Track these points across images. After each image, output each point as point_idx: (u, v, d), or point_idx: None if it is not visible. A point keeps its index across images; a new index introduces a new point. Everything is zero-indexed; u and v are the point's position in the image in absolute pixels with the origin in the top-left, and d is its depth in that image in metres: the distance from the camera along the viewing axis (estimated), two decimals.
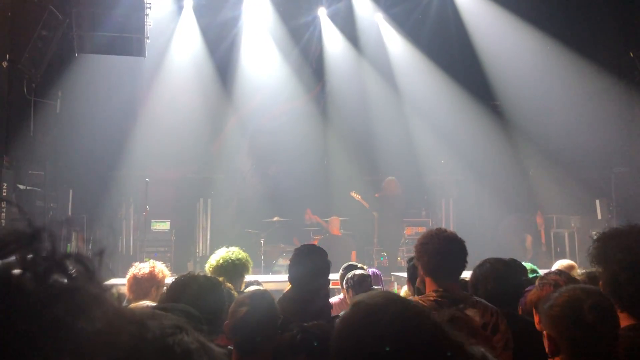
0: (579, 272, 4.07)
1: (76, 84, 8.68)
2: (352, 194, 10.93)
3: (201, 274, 2.79)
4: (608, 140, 9.37)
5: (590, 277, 3.10)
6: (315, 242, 10.18)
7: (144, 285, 3.72)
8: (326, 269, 3.50)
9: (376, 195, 10.89)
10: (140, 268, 3.80)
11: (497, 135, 10.79)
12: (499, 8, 10.02)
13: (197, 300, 2.31)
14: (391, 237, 10.74)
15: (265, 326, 2.26)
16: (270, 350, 2.27)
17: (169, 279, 4.84)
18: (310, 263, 3.44)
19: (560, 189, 10.03)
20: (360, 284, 4.33)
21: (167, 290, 2.68)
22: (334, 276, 6.97)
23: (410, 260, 3.97)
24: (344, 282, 4.50)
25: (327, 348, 2.00)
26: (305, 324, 2.26)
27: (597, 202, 9.29)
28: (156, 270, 3.75)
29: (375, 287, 4.53)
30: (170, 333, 0.81)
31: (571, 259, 5.72)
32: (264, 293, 2.44)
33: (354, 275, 4.40)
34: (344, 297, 4.56)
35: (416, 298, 2.74)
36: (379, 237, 10.93)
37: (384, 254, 10.82)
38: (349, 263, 4.96)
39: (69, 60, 8.17)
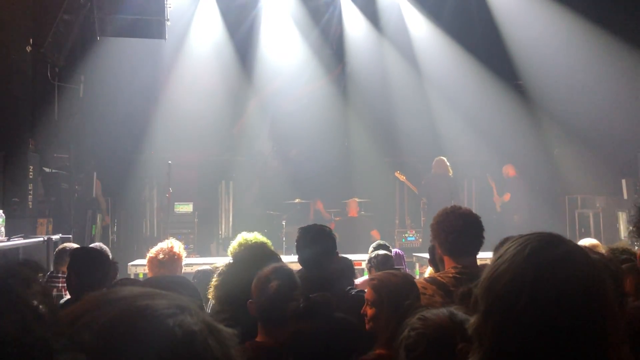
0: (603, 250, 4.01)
1: (98, 68, 8.77)
2: (397, 174, 10.78)
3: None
4: (634, 119, 9.16)
5: (615, 254, 3.05)
6: (332, 226, 10.18)
7: (163, 265, 3.78)
8: (332, 246, 3.43)
9: (422, 182, 10.64)
10: (160, 249, 3.85)
11: (520, 115, 10.63)
12: None
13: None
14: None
15: (293, 299, 2.28)
16: (293, 321, 2.30)
17: (188, 261, 4.93)
18: (315, 245, 3.38)
19: (585, 169, 9.87)
20: (384, 264, 4.35)
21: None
22: (355, 257, 6.99)
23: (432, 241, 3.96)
24: (367, 262, 4.52)
25: (328, 316, 2.04)
26: (310, 295, 2.28)
27: (623, 181, 9.11)
28: (175, 249, 3.80)
29: (398, 267, 4.54)
30: (170, 314, 0.74)
31: (596, 240, 5.63)
32: (283, 266, 2.46)
33: (377, 255, 4.43)
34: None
35: (434, 274, 2.74)
36: (427, 220, 10.63)
37: (406, 234, 10.65)
38: (379, 242, 4.95)
39: (90, 44, 8.24)
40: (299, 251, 3.43)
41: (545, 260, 1.08)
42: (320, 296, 2.21)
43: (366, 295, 2.25)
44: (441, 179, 10.18)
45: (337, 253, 3.55)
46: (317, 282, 3.18)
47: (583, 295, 1.05)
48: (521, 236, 1.17)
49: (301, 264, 3.45)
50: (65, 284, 4.14)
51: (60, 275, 4.37)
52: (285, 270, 2.37)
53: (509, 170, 10.63)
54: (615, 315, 1.08)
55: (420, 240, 10.43)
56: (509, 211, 10.40)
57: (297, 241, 3.45)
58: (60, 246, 4.79)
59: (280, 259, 2.71)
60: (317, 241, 3.38)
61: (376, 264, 4.33)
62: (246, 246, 2.74)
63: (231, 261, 2.80)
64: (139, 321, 0.72)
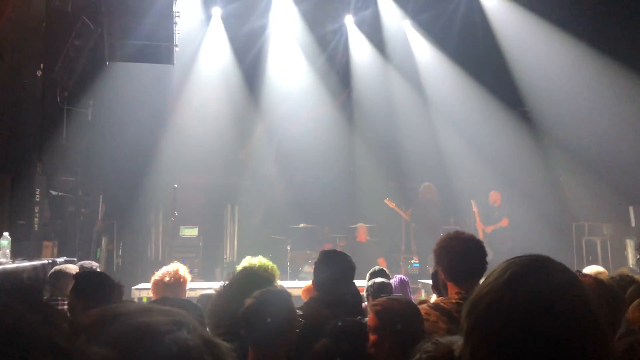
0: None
1: (107, 92, 8.88)
2: (387, 201, 10.83)
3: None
4: None
5: (625, 281, 3.00)
6: (339, 249, 10.17)
7: (169, 288, 3.77)
8: (350, 273, 3.47)
9: (408, 213, 10.74)
10: (166, 272, 3.85)
11: (526, 141, 10.64)
12: (526, 12, 9.90)
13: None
14: (428, 244, 10.55)
15: (278, 321, 2.25)
16: (286, 347, 2.26)
17: (192, 285, 4.90)
18: (334, 267, 3.41)
19: (592, 196, 9.81)
20: (381, 291, 4.31)
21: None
22: (360, 283, 6.95)
23: (435, 269, 3.93)
24: (365, 290, 4.49)
25: (359, 348, 1.99)
26: (340, 323, 2.24)
27: (631, 208, 9.06)
28: (180, 272, 3.80)
29: (399, 295, 4.50)
30: (167, 330, 0.74)
31: (604, 267, 5.58)
32: (277, 290, 2.43)
33: (374, 283, 4.40)
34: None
35: (438, 300, 2.71)
36: (416, 245, 10.77)
37: (412, 261, 10.68)
38: (379, 268, 4.92)
39: (100, 69, 8.36)
40: (315, 273, 3.45)
41: (523, 285, 1.09)
42: (353, 322, 2.16)
43: (369, 322, 2.23)
44: (429, 204, 10.34)
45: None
46: (330, 305, 3.19)
47: (561, 320, 1.05)
48: (507, 260, 1.18)
49: (316, 287, 3.47)
50: (63, 307, 4.12)
51: (60, 299, 4.30)
52: (276, 293, 2.34)
53: (495, 197, 10.62)
54: (600, 340, 1.07)
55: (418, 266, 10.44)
56: (501, 239, 10.27)
57: (315, 264, 3.48)
58: (55, 269, 4.58)
59: (273, 283, 2.67)
60: (335, 264, 3.42)
61: (372, 292, 4.29)
62: (236, 272, 2.70)
63: (222, 286, 2.75)
64: (135, 340, 0.72)
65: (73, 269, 4.52)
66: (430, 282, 6.16)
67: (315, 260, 3.57)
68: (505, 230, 10.28)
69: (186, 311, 0.86)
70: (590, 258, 9.61)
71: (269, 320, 2.19)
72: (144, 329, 0.74)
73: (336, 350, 2.08)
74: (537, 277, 1.10)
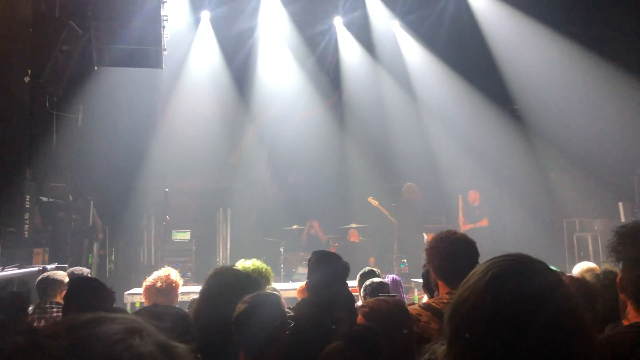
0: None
1: (96, 97, 8.84)
2: (370, 199, 10.88)
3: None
4: (630, 142, 9.20)
5: (608, 279, 3.02)
6: (333, 250, 10.18)
7: (161, 293, 3.76)
8: (343, 275, 3.46)
9: (393, 205, 10.84)
10: (157, 277, 3.84)
11: (517, 140, 10.68)
12: (515, 11, 9.95)
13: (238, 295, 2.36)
14: (411, 243, 10.67)
15: (268, 325, 2.24)
16: (277, 352, 2.26)
17: (185, 289, 4.89)
18: (327, 269, 3.40)
19: (582, 192, 9.88)
20: (378, 292, 4.31)
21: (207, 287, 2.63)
22: (352, 283, 6.93)
23: (425, 266, 3.94)
24: (362, 290, 4.48)
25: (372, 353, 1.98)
26: (355, 327, 2.22)
27: (620, 204, 9.13)
28: (172, 277, 3.79)
29: (394, 294, 4.50)
30: (118, 339, 0.73)
31: (595, 263, 5.61)
32: (267, 293, 2.41)
33: (372, 282, 4.39)
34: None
35: (429, 300, 2.72)
36: (399, 244, 10.87)
37: (404, 260, 10.74)
38: (369, 268, 4.92)
39: (88, 74, 8.32)
40: (309, 274, 3.44)
41: (505, 287, 1.05)
42: (364, 328, 2.14)
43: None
44: (411, 204, 10.46)
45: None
46: (325, 308, 3.17)
47: (547, 322, 1.02)
48: (488, 260, 1.14)
49: (308, 288, 3.46)
50: (55, 315, 4.11)
51: (48, 306, 4.29)
52: (266, 298, 2.33)
53: (475, 197, 10.69)
54: (585, 339, 1.05)
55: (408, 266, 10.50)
56: (479, 239, 10.31)
57: (308, 265, 3.46)
58: (42, 276, 4.57)
59: (259, 286, 2.63)
60: (328, 265, 3.41)
61: (370, 291, 4.29)
62: (217, 274, 2.63)
63: (204, 290, 2.67)
64: (86, 352, 0.72)
65: (61, 275, 4.52)
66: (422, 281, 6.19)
67: (308, 261, 3.56)
68: (483, 230, 10.32)
69: (141, 317, 0.86)
70: (582, 254, 9.67)
71: (260, 325, 2.18)
72: (95, 340, 0.73)
73: (349, 354, 2.07)
74: (519, 278, 1.07)
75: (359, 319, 2.19)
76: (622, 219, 9.01)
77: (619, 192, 9.26)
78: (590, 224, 9.84)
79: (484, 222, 10.47)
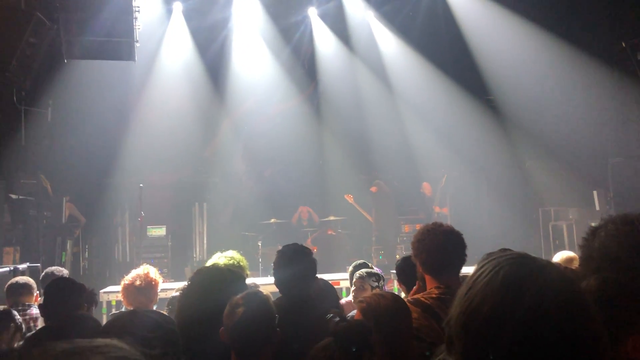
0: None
1: (67, 91, 8.60)
2: (347, 196, 10.93)
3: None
4: (603, 130, 9.33)
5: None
6: (309, 242, 10.18)
7: (140, 292, 3.67)
8: (311, 270, 3.28)
9: (372, 189, 10.89)
10: (137, 275, 3.74)
11: (492, 130, 10.75)
12: (489, 2, 9.97)
13: (222, 291, 2.29)
14: (388, 234, 10.73)
15: (263, 326, 2.18)
16: (270, 351, 2.20)
17: (164, 285, 4.78)
18: (294, 267, 3.21)
19: (557, 181, 10.00)
20: (370, 277, 4.28)
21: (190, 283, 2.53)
22: (333, 276, 6.90)
23: (398, 262, 3.87)
24: (354, 278, 4.41)
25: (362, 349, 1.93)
26: (344, 324, 2.16)
27: (595, 193, 9.26)
28: (151, 275, 3.70)
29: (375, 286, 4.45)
30: None
31: (570, 251, 5.66)
32: (257, 292, 2.34)
33: (364, 271, 4.34)
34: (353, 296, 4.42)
35: (417, 295, 2.67)
36: (377, 236, 10.90)
37: (382, 252, 10.78)
38: (361, 261, 4.86)
39: (58, 67, 8.08)
40: (276, 273, 3.28)
41: (523, 287, 0.95)
42: (353, 323, 2.08)
43: (355, 318, 2.17)
44: (383, 197, 10.73)
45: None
46: (296, 306, 3.06)
47: (571, 316, 0.94)
48: (487, 261, 1.03)
49: (278, 287, 3.27)
50: (25, 317, 4.03)
51: (20, 308, 4.17)
52: (257, 297, 2.26)
53: (428, 189, 11.20)
54: (601, 334, 0.97)
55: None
56: None
57: (274, 263, 3.34)
58: (11, 281, 4.45)
59: (243, 281, 2.55)
60: (296, 262, 3.25)
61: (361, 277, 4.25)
62: (200, 272, 2.53)
63: (185, 286, 2.57)
64: None
65: (28, 279, 4.45)
66: None
67: (275, 259, 3.36)
68: (444, 218, 10.64)
69: (123, 340, 0.82)
70: (557, 242, 9.80)
71: (256, 327, 2.13)
72: None
73: (340, 349, 2.01)
74: (534, 276, 0.97)
75: (356, 314, 2.14)
76: (597, 208, 9.15)
77: (594, 181, 9.39)
78: (565, 213, 9.97)
79: (445, 211, 10.79)
